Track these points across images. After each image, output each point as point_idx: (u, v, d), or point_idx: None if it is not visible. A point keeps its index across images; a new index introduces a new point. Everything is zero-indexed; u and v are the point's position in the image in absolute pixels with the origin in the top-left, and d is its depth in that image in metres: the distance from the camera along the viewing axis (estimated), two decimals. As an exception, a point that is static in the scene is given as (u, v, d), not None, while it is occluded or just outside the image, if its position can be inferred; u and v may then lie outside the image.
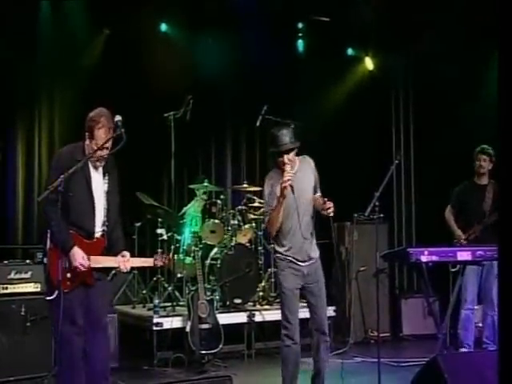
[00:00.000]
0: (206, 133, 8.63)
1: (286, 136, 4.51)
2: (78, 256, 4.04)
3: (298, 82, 8.71)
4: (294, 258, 4.59)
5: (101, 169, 4.22)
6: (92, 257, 4.11)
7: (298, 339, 4.57)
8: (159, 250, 4.85)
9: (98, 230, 4.19)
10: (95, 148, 4.07)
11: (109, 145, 4.13)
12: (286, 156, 4.50)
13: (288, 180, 4.40)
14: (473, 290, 6.17)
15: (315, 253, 4.69)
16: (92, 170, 4.19)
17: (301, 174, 4.62)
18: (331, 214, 4.51)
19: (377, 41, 9.07)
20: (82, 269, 4.03)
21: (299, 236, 4.59)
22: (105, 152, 4.13)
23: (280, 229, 4.60)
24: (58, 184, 3.85)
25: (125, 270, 4.29)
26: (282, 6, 8.18)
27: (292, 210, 4.56)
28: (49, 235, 4.15)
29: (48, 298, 4.06)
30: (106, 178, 4.22)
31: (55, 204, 3.90)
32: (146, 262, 4.53)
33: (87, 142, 4.15)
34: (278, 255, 4.65)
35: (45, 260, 4.19)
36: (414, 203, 9.31)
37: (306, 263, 4.61)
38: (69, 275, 4.04)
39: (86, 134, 4.14)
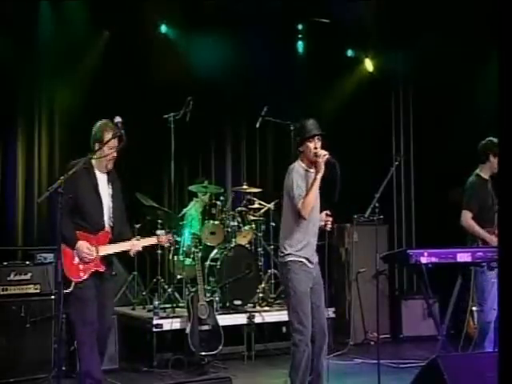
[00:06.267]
0: (206, 134, 8.64)
1: (314, 125, 4.67)
2: (83, 247, 4.51)
3: (298, 84, 8.71)
4: (305, 259, 4.59)
5: (106, 176, 4.70)
6: (100, 247, 4.59)
7: (310, 343, 4.53)
8: (162, 231, 5.09)
9: (107, 224, 4.66)
10: (102, 147, 4.57)
11: (114, 144, 4.60)
12: (316, 138, 4.61)
13: (326, 155, 4.53)
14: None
15: (317, 257, 4.74)
16: (98, 173, 4.67)
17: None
18: (328, 229, 4.73)
19: (376, 42, 9.08)
20: (88, 257, 4.50)
21: (314, 235, 4.65)
22: (112, 152, 4.61)
23: (304, 221, 4.58)
24: (57, 186, 4.04)
25: (136, 249, 4.75)
26: (282, 8, 8.18)
27: (315, 206, 4.62)
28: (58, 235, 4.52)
29: (66, 291, 4.43)
30: (111, 185, 4.73)
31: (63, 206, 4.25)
32: (150, 240, 4.90)
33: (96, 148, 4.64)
34: (292, 258, 4.60)
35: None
36: (414, 204, 9.32)
37: (313, 265, 4.65)
38: (81, 267, 4.51)
39: (96, 142, 4.62)
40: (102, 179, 4.68)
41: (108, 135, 4.57)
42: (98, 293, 4.57)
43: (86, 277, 4.52)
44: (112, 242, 4.67)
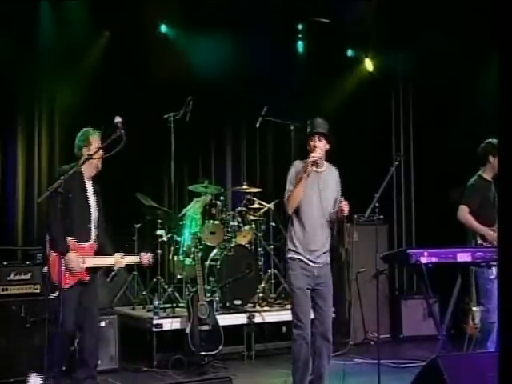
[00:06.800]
0: (206, 134, 8.63)
1: (320, 123, 4.71)
2: (72, 259, 4.75)
3: (298, 84, 8.71)
4: (305, 258, 4.61)
5: (91, 185, 4.96)
6: (86, 258, 4.83)
7: (309, 339, 4.60)
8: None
9: (93, 234, 4.92)
10: (90, 152, 4.82)
11: (99, 144, 4.85)
12: (317, 136, 4.62)
13: (313, 157, 4.54)
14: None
15: (326, 258, 4.74)
16: (86, 182, 4.92)
17: (327, 176, 4.74)
18: (346, 213, 4.64)
19: (376, 42, 9.08)
20: (76, 268, 4.75)
21: (313, 235, 4.64)
22: (99, 151, 4.80)
23: (300, 219, 4.62)
24: (57, 185, 4.15)
25: (119, 266, 5.05)
26: (282, 7, 8.18)
27: (315, 201, 4.62)
28: (47, 240, 4.87)
29: (51, 296, 4.64)
30: (95, 196, 4.99)
31: (57, 207, 4.44)
32: (133, 259, 5.17)
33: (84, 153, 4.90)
34: (290, 255, 4.66)
35: (45, 269, 4.93)
36: (414, 204, 9.31)
37: (317, 265, 4.64)
38: (67, 274, 4.74)
39: (83, 147, 4.89)
40: (89, 188, 4.93)
41: (92, 138, 4.86)
42: (81, 298, 4.84)
43: (71, 284, 4.77)
44: (96, 253, 4.92)
